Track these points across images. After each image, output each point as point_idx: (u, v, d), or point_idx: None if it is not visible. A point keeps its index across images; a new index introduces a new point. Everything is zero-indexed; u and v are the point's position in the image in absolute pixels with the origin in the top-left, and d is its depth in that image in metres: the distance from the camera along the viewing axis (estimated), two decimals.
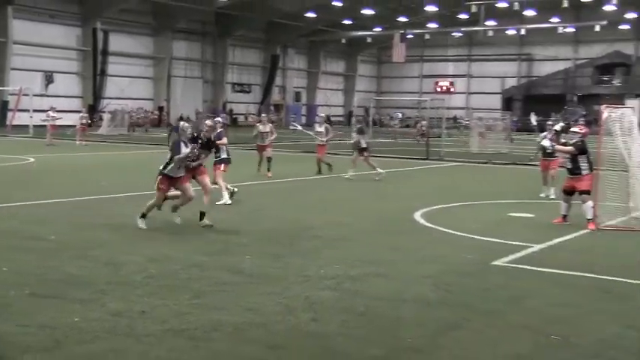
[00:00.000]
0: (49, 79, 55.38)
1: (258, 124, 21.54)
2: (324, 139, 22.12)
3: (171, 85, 65.08)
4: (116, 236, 10.93)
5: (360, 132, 21.18)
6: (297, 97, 78.73)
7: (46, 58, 54.63)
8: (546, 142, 14.26)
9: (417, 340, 6.41)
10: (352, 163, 20.70)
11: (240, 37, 69.84)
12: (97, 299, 7.36)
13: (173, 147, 11.58)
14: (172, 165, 11.46)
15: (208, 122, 13.70)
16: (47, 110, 35.02)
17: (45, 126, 34.68)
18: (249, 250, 9.99)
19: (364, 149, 20.59)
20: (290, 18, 67.03)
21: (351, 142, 21.40)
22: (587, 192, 12.64)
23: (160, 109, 61.83)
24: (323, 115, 24.35)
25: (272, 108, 68.99)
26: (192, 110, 64.73)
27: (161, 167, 11.59)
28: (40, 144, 32.68)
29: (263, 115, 24.22)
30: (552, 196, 16.22)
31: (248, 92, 73.23)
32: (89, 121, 39.13)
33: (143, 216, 11.46)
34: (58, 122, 34.76)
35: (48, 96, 51.44)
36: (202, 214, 11.78)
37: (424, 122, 44.81)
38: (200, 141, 12.13)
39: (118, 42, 59.23)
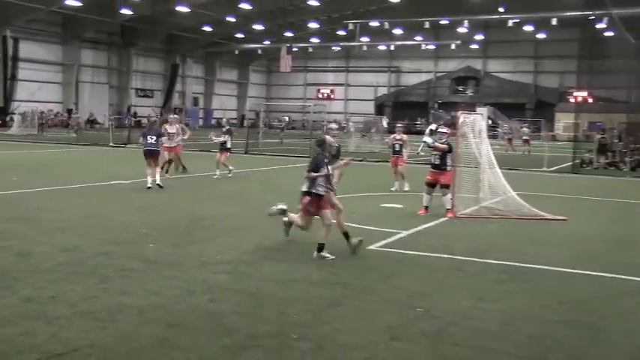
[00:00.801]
0: None
1: (165, 125, 19.39)
2: (177, 140, 19.59)
3: (79, 90, 62.84)
4: (28, 228, 10.41)
5: (228, 133, 19.52)
6: (196, 101, 78.39)
7: None
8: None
9: (303, 316, 6.43)
10: (217, 164, 19.32)
11: (144, 48, 68.42)
12: (8, 287, 7.00)
13: (314, 164, 9.19)
14: (318, 183, 9.15)
15: (333, 125, 11.11)
16: None
17: None
18: (152, 240, 9.76)
19: (228, 149, 19.38)
20: (188, 31, 66.18)
21: (218, 141, 19.50)
22: (447, 186, 13.09)
23: (69, 111, 59.50)
24: (176, 116, 21.94)
25: (175, 111, 67.85)
26: (99, 113, 62.65)
27: (304, 187, 9.26)
28: None
29: (171, 116, 21.38)
30: (406, 189, 16.57)
31: (151, 97, 71.83)
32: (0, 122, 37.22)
33: (321, 249, 8.92)
34: None
35: None
36: (347, 235, 9.46)
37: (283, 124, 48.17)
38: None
39: (27, 49, 56.59)
